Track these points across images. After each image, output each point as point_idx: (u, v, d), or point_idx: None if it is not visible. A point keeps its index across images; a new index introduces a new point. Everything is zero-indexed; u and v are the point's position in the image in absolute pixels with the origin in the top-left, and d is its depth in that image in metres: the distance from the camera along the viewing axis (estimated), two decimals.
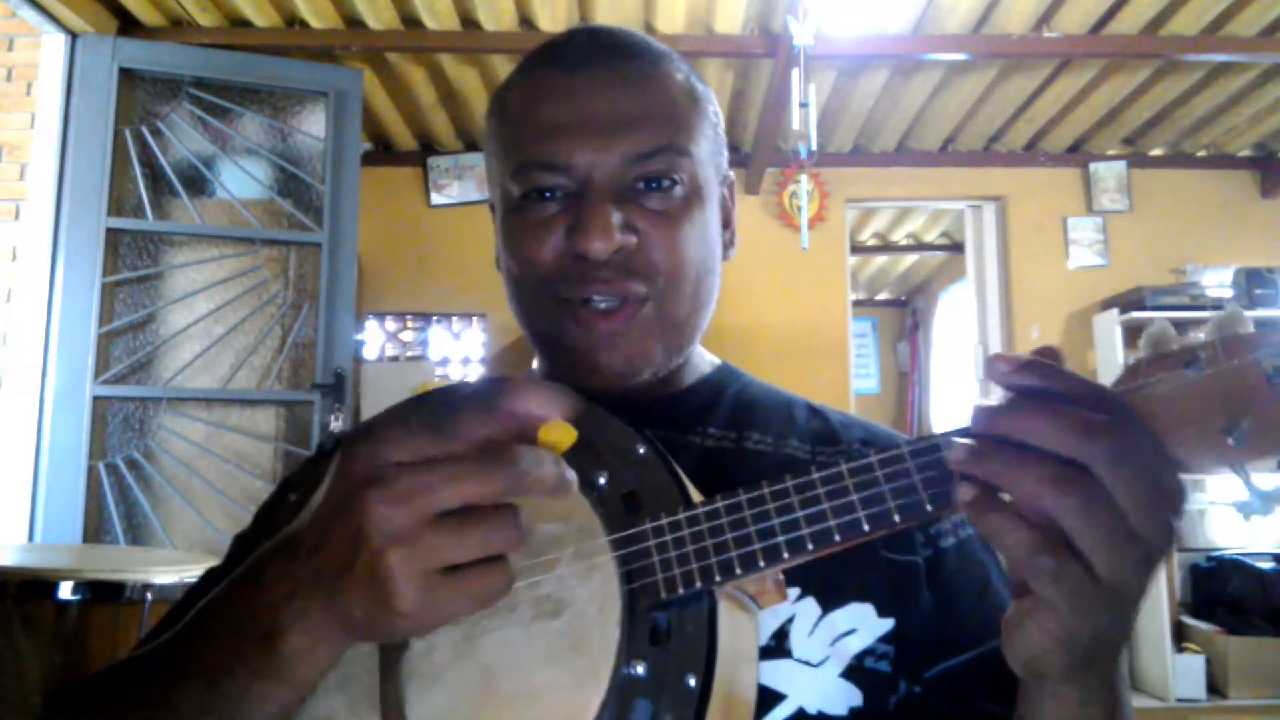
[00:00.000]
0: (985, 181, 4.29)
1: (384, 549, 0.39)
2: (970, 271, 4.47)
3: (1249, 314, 3.89)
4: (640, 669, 0.46)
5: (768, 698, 0.57)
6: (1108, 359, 3.80)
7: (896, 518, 0.45)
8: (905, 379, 6.95)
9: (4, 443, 2.85)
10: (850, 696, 0.58)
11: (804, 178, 3.93)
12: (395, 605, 0.39)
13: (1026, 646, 0.44)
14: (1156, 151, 4.27)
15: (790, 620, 0.59)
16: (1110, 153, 4.24)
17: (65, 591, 1.66)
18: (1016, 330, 4.15)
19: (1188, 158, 4.27)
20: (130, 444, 2.95)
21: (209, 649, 0.45)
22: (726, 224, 0.73)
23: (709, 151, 0.68)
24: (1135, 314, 3.70)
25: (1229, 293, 3.73)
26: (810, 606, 0.59)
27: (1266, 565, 3.43)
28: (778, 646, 0.58)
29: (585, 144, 0.63)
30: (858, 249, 5.71)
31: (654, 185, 0.64)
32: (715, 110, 0.71)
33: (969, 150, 4.25)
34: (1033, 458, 0.41)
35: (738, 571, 0.46)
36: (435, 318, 4.15)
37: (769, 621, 0.59)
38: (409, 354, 4.14)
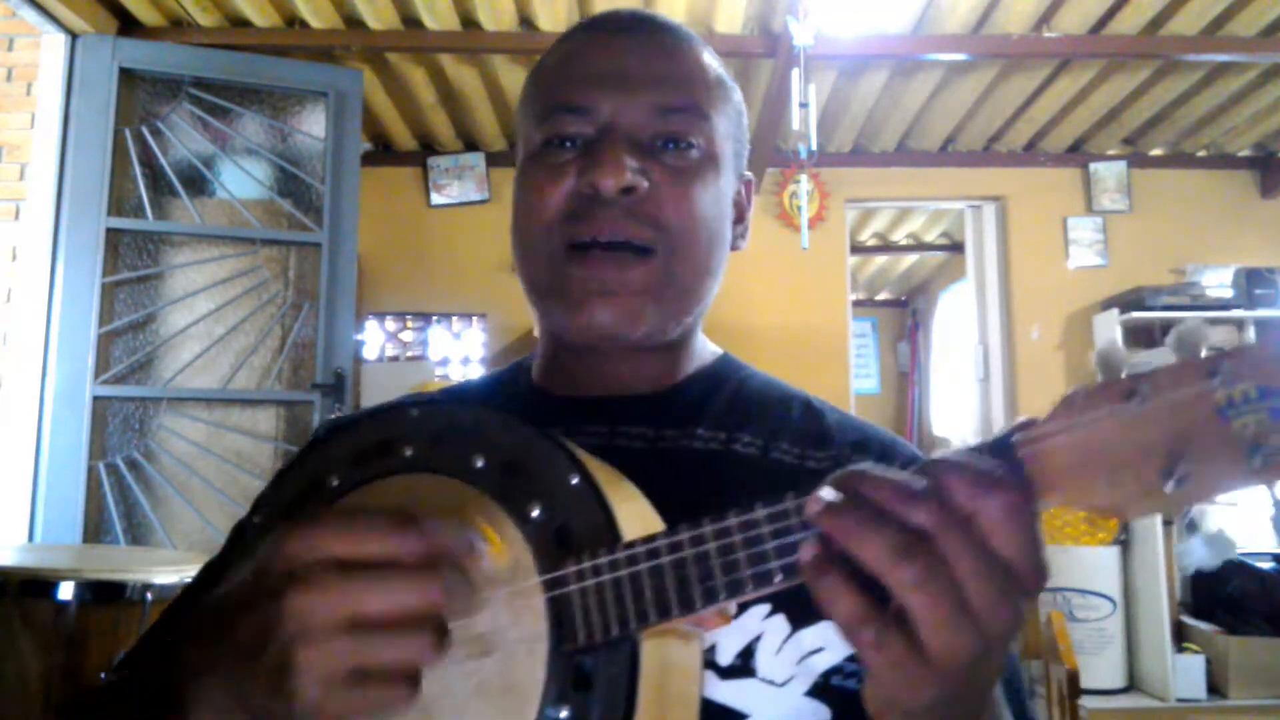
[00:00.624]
0: (985, 181, 4.29)
1: (293, 644, 0.40)
2: (970, 271, 4.46)
3: (1249, 314, 3.86)
4: (564, 713, 0.47)
5: (729, 718, 0.57)
6: (1104, 344, 3.80)
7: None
8: (905, 379, 6.95)
9: (4, 443, 2.85)
10: (817, 713, 0.57)
11: (804, 178, 3.93)
12: (295, 701, 0.39)
13: (869, 703, 0.44)
14: (1156, 151, 4.27)
15: (758, 639, 0.58)
16: (1110, 153, 4.24)
17: (65, 591, 1.66)
18: (1016, 330, 4.15)
19: (1188, 158, 4.27)
20: (130, 444, 2.95)
21: (144, 704, 0.47)
22: (740, 218, 0.73)
23: (728, 132, 0.69)
24: (1135, 314, 3.70)
25: (1229, 293, 3.73)
26: (779, 624, 0.58)
27: (1266, 565, 3.42)
28: (743, 665, 0.58)
29: (611, 91, 0.64)
30: (858, 249, 5.71)
31: (672, 145, 0.65)
32: (740, 101, 0.72)
33: (969, 150, 4.25)
34: (883, 522, 0.39)
35: (652, 620, 0.47)
36: (435, 318, 4.15)
37: (735, 640, 0.58)
38: (409, 354, 4.14)
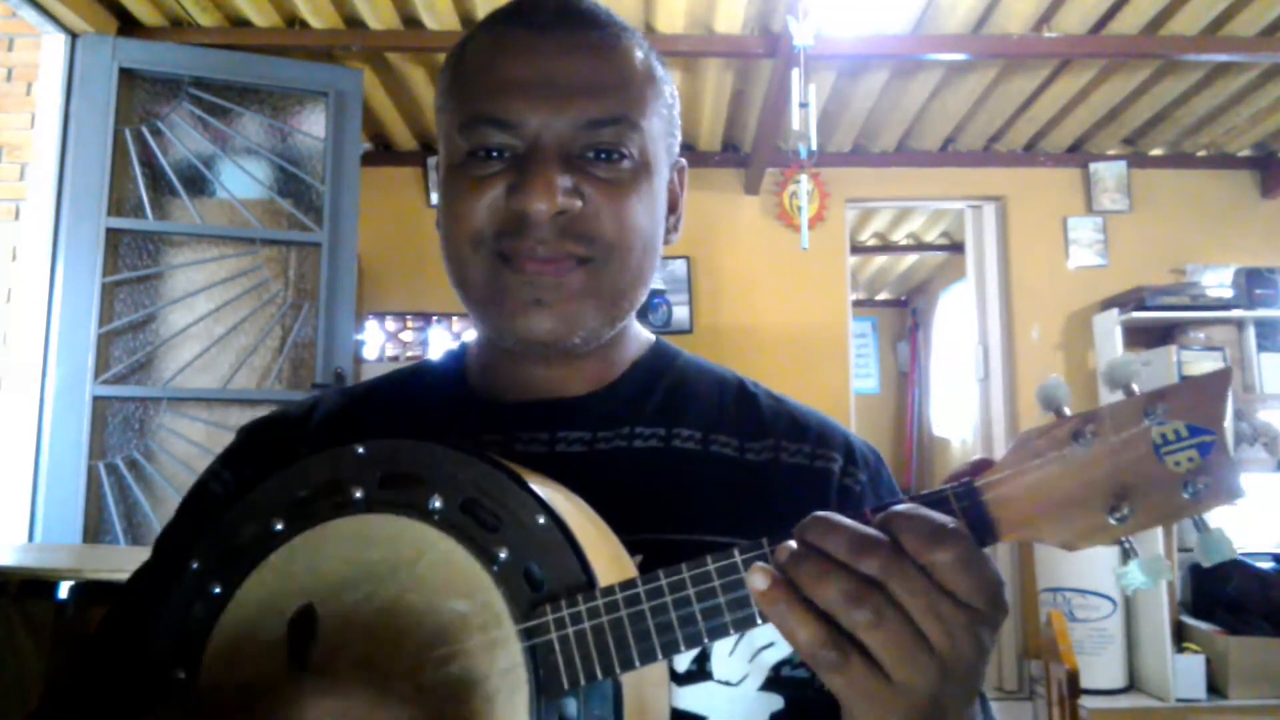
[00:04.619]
0: (985, 181, 4.29)
1: None
2: (970, 271, 4.46)
3: (1249, 314, 3.86)
4: None
5: None
6: (1107, 359, 3.79)
7: None
8: (905, 379, 6.95)
9: (4, 443, 2.84)
10: (771, 704, 0.59)
11: (804, 178, 3.92)
12: None
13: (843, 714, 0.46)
14: (1156, 151, 4.26)
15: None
16: (1110, 153, 4.24)
17: (65, 591, 1.66)
18: (1017, 330, 4.15)
19: (1188, 158, 4.26)
20: (130, 444, 2.95)
21: None
22: (673, 208, 0.72)
23: (661, 131, 0.68)
24: (1135, 314, 3.70)
25: (1229, 293, 3.73)
26: None
27: (1266, 565, 3.42)
28: (699, 670, 0.59)
29: (538, 104, 0.62)
30: (858, 249, 5.70)
31: (603, 155, 0.63)
32: (673, 93, 0.70)
33: (969, 150, 4.24)
34: (834, 570, 0.43)
35: (637, 665, 0.48)
36: (435, 318, 4.15)
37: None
38: (409, 354, 4.14)
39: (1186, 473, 0.44)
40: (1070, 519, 0.45)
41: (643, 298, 0.68)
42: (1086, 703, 3.16)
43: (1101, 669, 3.39)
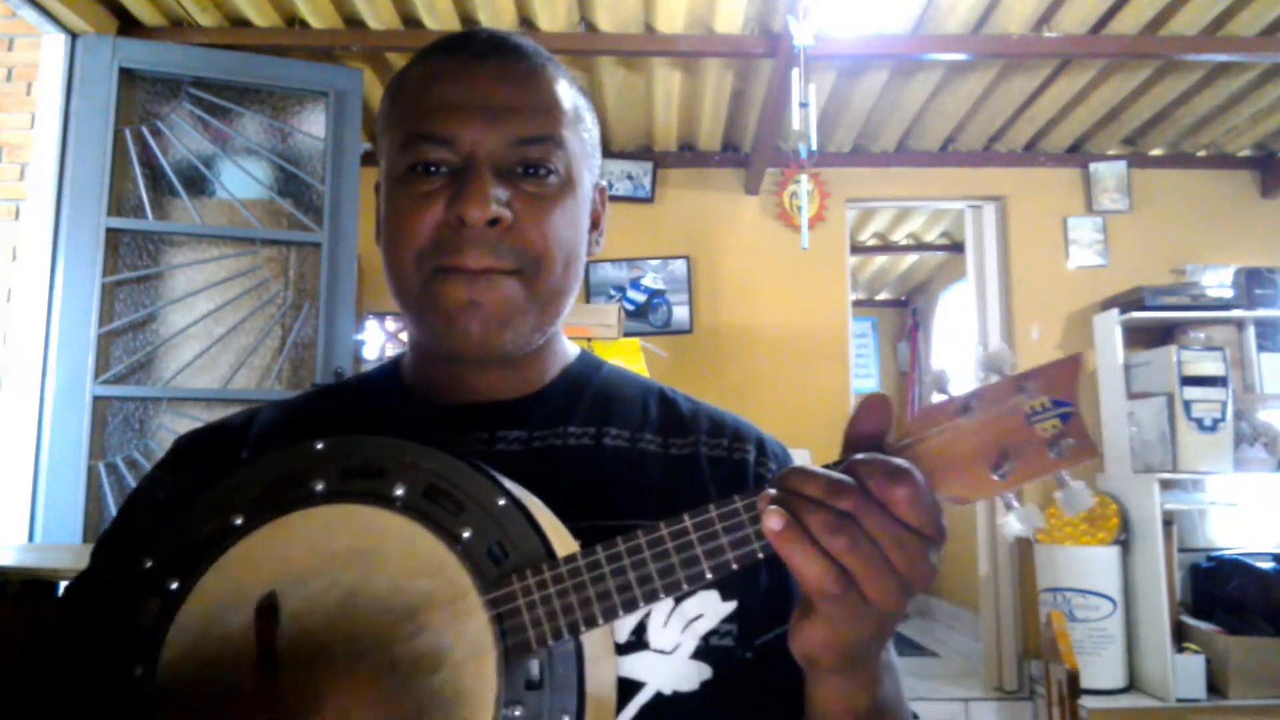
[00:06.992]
0: (985, 181, 4.29)
1: None
2: (970, 271, 4.46)
3: (1249, 314, 3.85)
4: (518, 712, 0.51)
5: (629, 688, 0.63)
6: (1107, 359, 3.80)
7: (734, 565, 0.53)
8: (905, 379, 6.95)
9: (4, 443, 2.85)
10: (701, 673, 0.65)
11: (804, 178, 3.92)
12: None
13: (805, 644, 0.54)
14: (1156, 151, 4.26)
15: (648, 615, 0.65)
16: (1110, 153, 4.24)
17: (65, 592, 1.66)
18: (1016, 330, 4.15)
19: (1188, 158, 4.27)
20: (130, 444, 2.95)
21: None
22: (595, 225, 0.79)
23: (582, 152, 0.74)
24: (1135, 314, 3.70)
25: (1229, 293, 3.73)
26: (665, 601, 0.65)
27: (1266, 565, 3.42)
28: (638, 640, 0.65)
29: (473, 122, 0.68)
30: (858, 249, 5.70)
31: (532, 171, 0.69)
32: (594, 120, 0.78)
33: (969, 150, 4.25)
34: (815, 507, 0.50)
35: (600, 622, 0.52)
36: None
37: (630, 619, 0.65)
38: None
39: (1052, 437, 0.52)
40: (963, 476, 0.53)
41: (568, 306, 0.74)
42: (1086, 703, 3.17)
43: (1101, 669, 3.40)
